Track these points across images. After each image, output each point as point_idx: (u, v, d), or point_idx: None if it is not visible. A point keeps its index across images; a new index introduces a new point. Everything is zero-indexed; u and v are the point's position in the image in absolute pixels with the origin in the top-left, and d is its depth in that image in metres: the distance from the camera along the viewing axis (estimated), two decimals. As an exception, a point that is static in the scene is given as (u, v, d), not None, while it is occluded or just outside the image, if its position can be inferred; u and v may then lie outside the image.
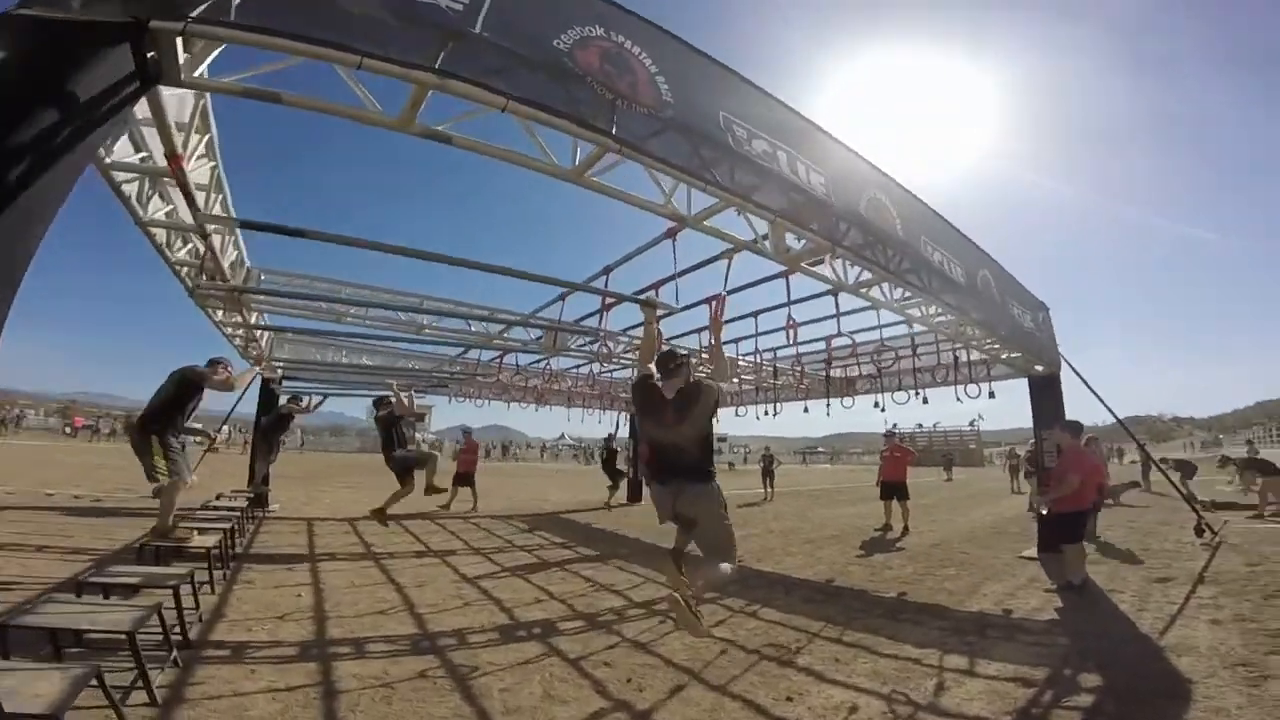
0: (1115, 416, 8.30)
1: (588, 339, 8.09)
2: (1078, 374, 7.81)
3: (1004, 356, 7.47)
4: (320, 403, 10.76)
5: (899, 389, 9.73)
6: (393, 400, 8.08)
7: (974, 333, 6.71)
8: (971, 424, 50.01)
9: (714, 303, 4.63)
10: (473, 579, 5.84)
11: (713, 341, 4.01)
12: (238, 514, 6.86)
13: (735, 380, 11.34)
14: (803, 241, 4.34)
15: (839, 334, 7.08)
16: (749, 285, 5.85)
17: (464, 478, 11.72)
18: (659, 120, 3.14)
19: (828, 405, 9.70)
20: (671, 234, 4.69)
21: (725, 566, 3.30)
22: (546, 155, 3.27)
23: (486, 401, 13.38)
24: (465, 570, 6.22)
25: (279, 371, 10.81)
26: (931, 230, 5.38)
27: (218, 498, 7.97)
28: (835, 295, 6.03)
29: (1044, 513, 5.86)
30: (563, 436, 56.39)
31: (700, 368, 5.15)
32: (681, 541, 3.62)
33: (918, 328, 7.61)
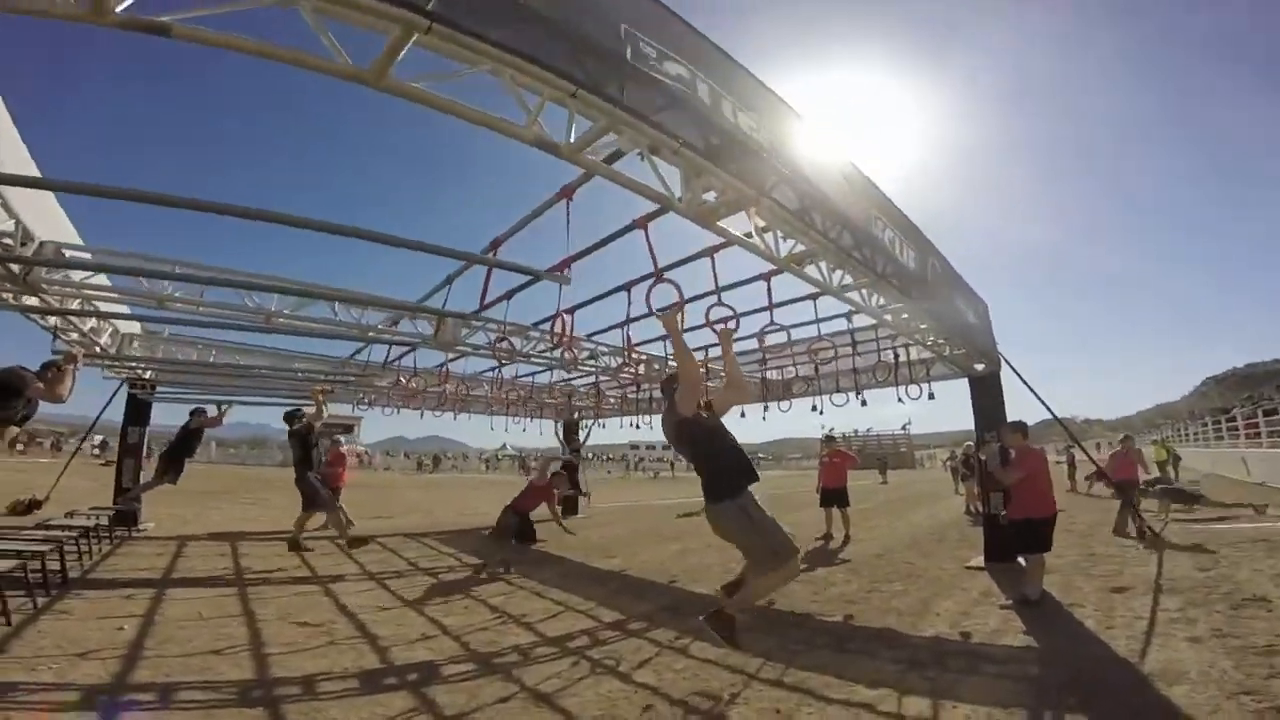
0: (1054, 415, 8.02)
1: (489, 331, 6.88)
2: (1016, 372, 7.51)
3: (948, 353, 7.01)
4: (227, 410, 9.36)
5: (837, 390, 9.14)
6: (309, 411, 7.51)
7: (921, 326, 6.20)
8: (903, 428, 51.77)
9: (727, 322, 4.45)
10: (352, 610, 4.97)
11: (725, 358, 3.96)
12: (75, 534, 6.20)
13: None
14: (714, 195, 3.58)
15: (772, 325, 6.20)
16: (674, 265, 4.84)
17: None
18: (520, 5, 2.42)
19: (764, 409, 9.08)
20: (567, 193, 3.83)
21: (772, 579, 3.41)
22: (341, 56, 2.30)
23: (422, 411, 12.13)
24: (348, 600, 5.37)
25: (148, 374, 9.47)
26: (881, 205, 4.79)
27: (68, 515, 7.23)
28: (769, 282, 5.42)
29: (1001, 518, 5.38)
30: (504, 447, 54.78)
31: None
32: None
33: (858, 322, 7.09)
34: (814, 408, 9.25)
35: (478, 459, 53.90)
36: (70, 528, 6.32)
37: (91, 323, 6.55)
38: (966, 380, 7.70)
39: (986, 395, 7.39)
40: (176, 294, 5.46)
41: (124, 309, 6.22)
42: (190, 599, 5.16)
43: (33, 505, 8.84)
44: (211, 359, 8.66)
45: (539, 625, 4.69)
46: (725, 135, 3.18)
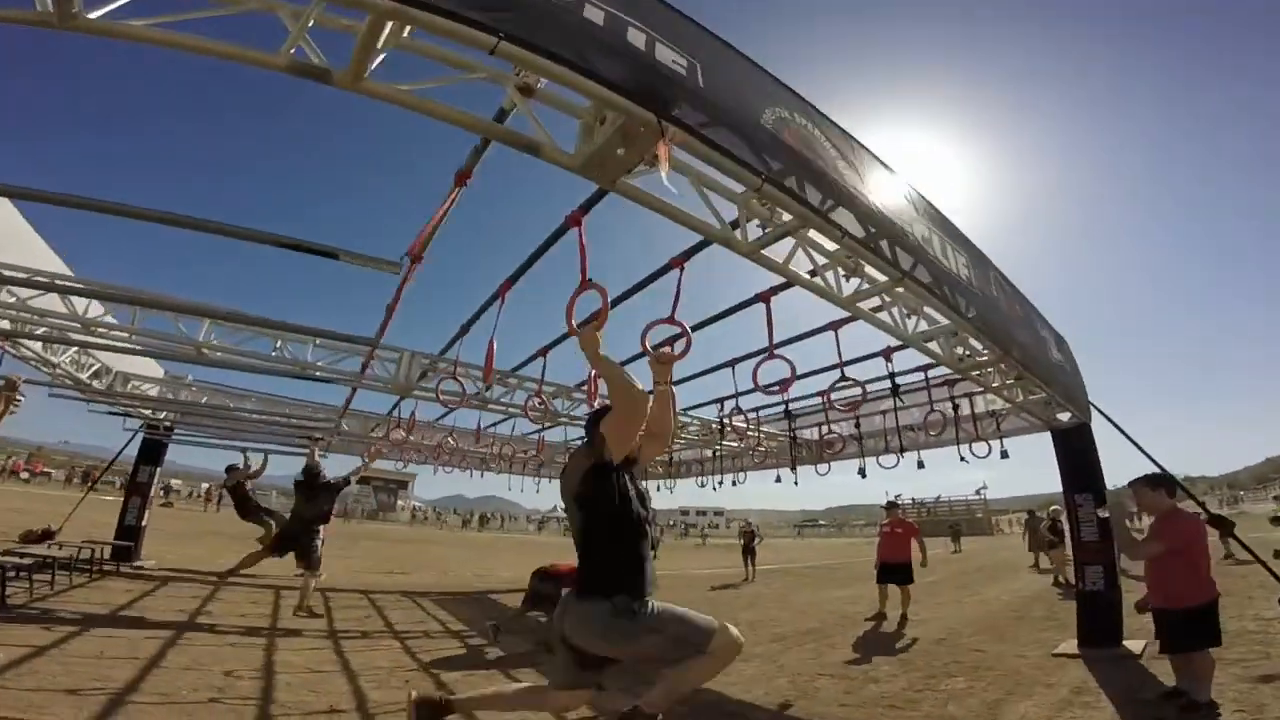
0: (1162, 469, 6.47)
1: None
2: (1114, 423, 6.06)
3: (1024, 398, 5.78)
4: (263, 463, 9.26)
5: (885, 451, 7.88)
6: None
7: (999, 368, 5.11)
8: (978, 492, 48.20)
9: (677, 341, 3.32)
10: (277, 668, 4.42)
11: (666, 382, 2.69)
12: (31, 562, 6.16)
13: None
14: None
15: (794, 374, 5.11)
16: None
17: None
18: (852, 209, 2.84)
19: (794, 471, 7.97)
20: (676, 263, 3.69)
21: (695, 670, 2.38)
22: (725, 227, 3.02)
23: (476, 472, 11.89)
24: (282, 657, 4.78)
25: (164, 416, 9.60)
26: (952, 233, 4.10)
27: (48, 544, 7.52)
28: (836, 331, 4.82)
29: (1148, 607, 3.93)
30: (555, 508, 54.12)
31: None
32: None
33: (907, 365, 6.09)
34: (860, 471, 8.02)
35: (525, 519, 53.65)
36: (29, 555, 6.35)
37: (38, 346, 6.16)
38: (1049, 435, 6.36)
39: (1076, 450, 6.08)
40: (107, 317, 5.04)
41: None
42: (108, 637, 4.82)
43: (45, 535, 8.69)
44: (204, 401, 8.39)
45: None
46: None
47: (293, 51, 2.09)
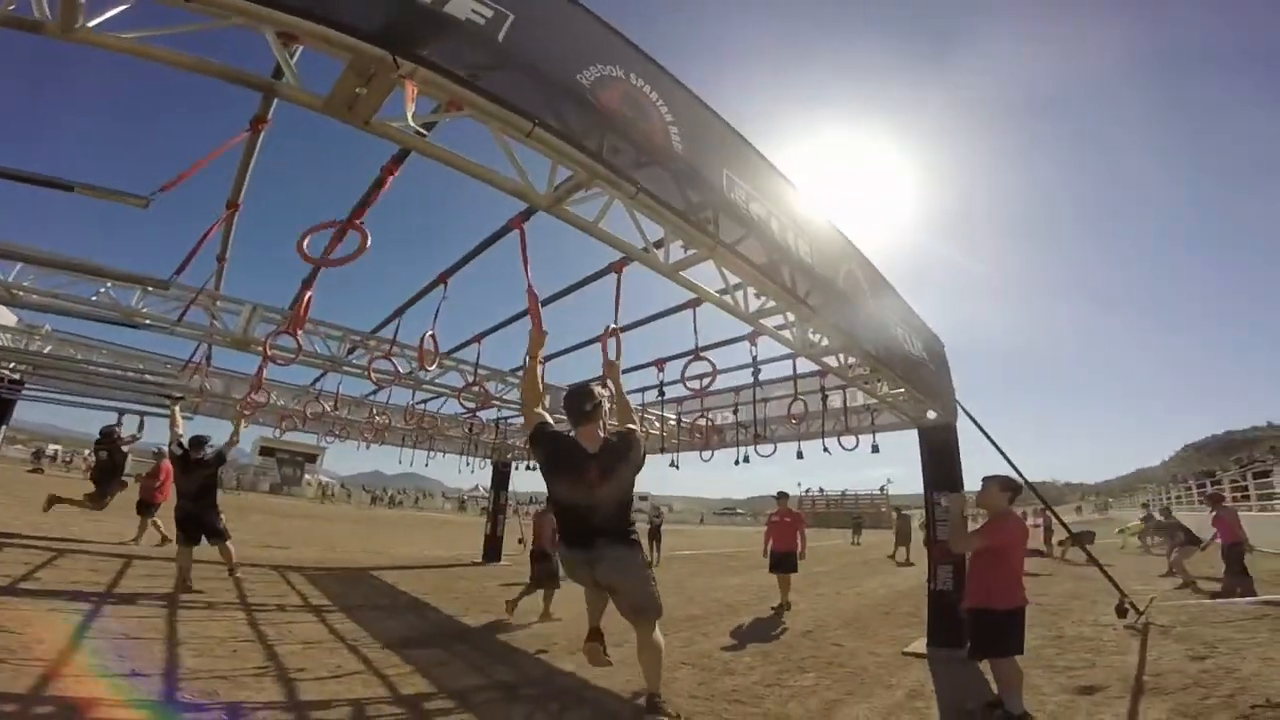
0: (1021, 476, 6.85)
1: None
2: (978, 425, 6.38)
3: (885, 391, 5.91)
4: (139, 427, 8.63)
5: (763, 440, 7.94)
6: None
7: (845, 360, 5.19)
8: (881, 489, 50.99)
9: (610, 339, 3.92)
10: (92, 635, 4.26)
11: (614, 386, 3.58)
12: None
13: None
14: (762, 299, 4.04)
15: (697, 354, 5.23)
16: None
17: (143, 506, 8.82)
18: (667, 169, 2.92)
19: (675, 458, 7.99)
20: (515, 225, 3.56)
21: (658, 637, 3.17)
22: (524, 177, 2.77)
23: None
24: (108, 623, 4.62)
25: (12, 368, 8.67)
26: (790, 212, 4.02)
27: None
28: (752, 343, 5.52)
29: (961, 603, 4.05)
30: (477, 488, 52.99)
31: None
32: (598, 612, 3.38)
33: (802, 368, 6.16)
34: (736, 461, 8.11)
35: (442, 497, 52.48)
36: None
37: None
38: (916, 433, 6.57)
39: (939, 449, 6.25)
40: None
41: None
42: None
43: None
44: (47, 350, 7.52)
45: (306, 682, 3.75)
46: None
47: (11, 7, 1.97)
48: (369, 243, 2.83)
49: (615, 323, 3.98)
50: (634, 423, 3.36)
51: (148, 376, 8.05)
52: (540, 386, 3.34)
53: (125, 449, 8.38)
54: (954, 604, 5.43)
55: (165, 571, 6.69)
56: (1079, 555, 11.70)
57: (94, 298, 4.82)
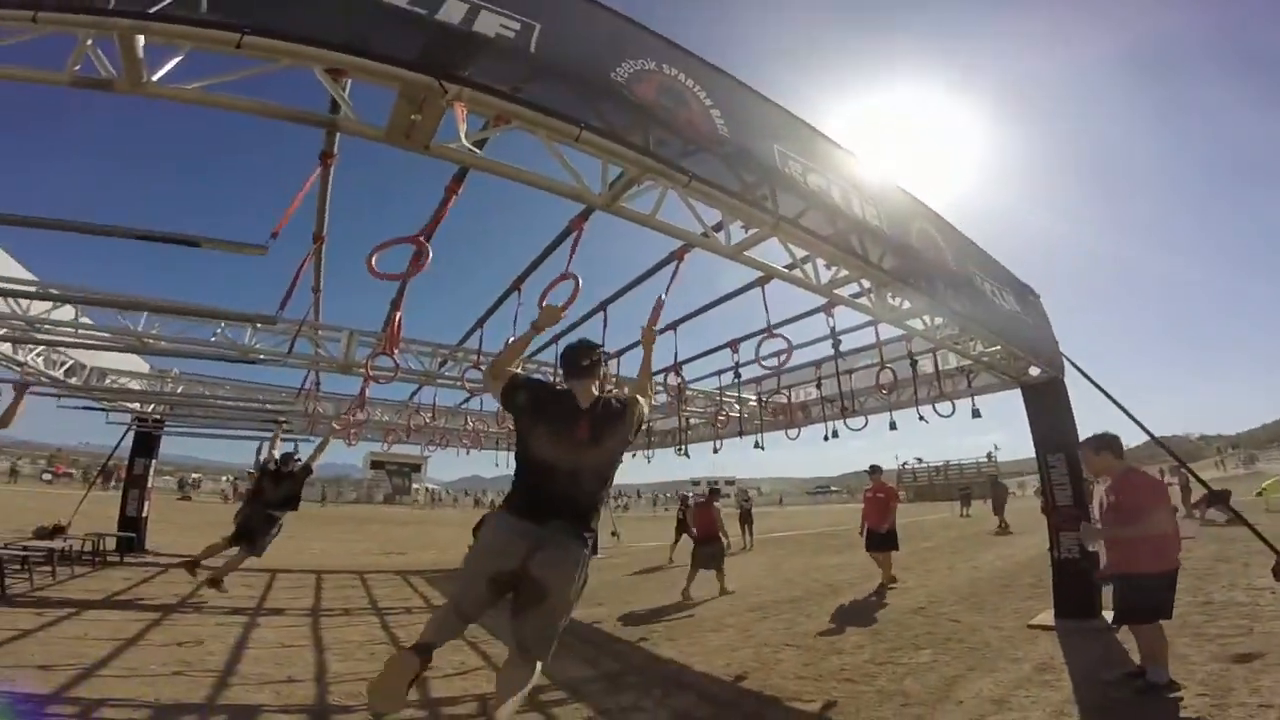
0: (1147, 432, 6.12)
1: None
2: (1088, 378, 5.82)
3: (980, 350, 5.55)
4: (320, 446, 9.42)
5: (851, 413, 7.59)
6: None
7: (931, 321, 4.94)
8: (988, 456, 48.19)
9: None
10: (248, 644, 4.72)
11: (644, 352, 3.03)
12: (24, 553, 6.57)
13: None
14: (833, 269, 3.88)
15: (769, 331, 5.15)
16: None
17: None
18: (715, 153, 2.91)
19: (759, 438, 7.84)
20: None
21: (533, 673, 2.35)
22: (579, 180, 2.82)
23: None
24: (261, 633, 5.11)
25: (151, 409, 9.83)
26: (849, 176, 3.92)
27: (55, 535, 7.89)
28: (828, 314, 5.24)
29: (1100, 572, 3.77)
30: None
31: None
32: (463, 618, 2.34)
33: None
34: (825, 436, 7.87)
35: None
36: (31, 549, 6.85)
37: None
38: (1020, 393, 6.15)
39: (1048, 409, 5.85)
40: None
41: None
42: (96, 620, 5.06)
43: (56, 530, 8.80)
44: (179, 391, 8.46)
45: (434, 679, 3.93)
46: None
47: (77, 68, 2.16)
48: (429, 258, 2.96)
49: (665, 295, 3.76)
50: (647, 396, 2.81)
51: (268, 406, 8.86)
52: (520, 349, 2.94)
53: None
54: (1082, 572, 5.07)
55: (304, 583, 7.39)
56: (1220, 515, 10.53)
57: (212, 339, 5.37)
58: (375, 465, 51.05)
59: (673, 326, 5.77)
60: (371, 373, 5.27)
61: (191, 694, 3.47)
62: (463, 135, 2.21)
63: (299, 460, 6.74)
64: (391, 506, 40.93)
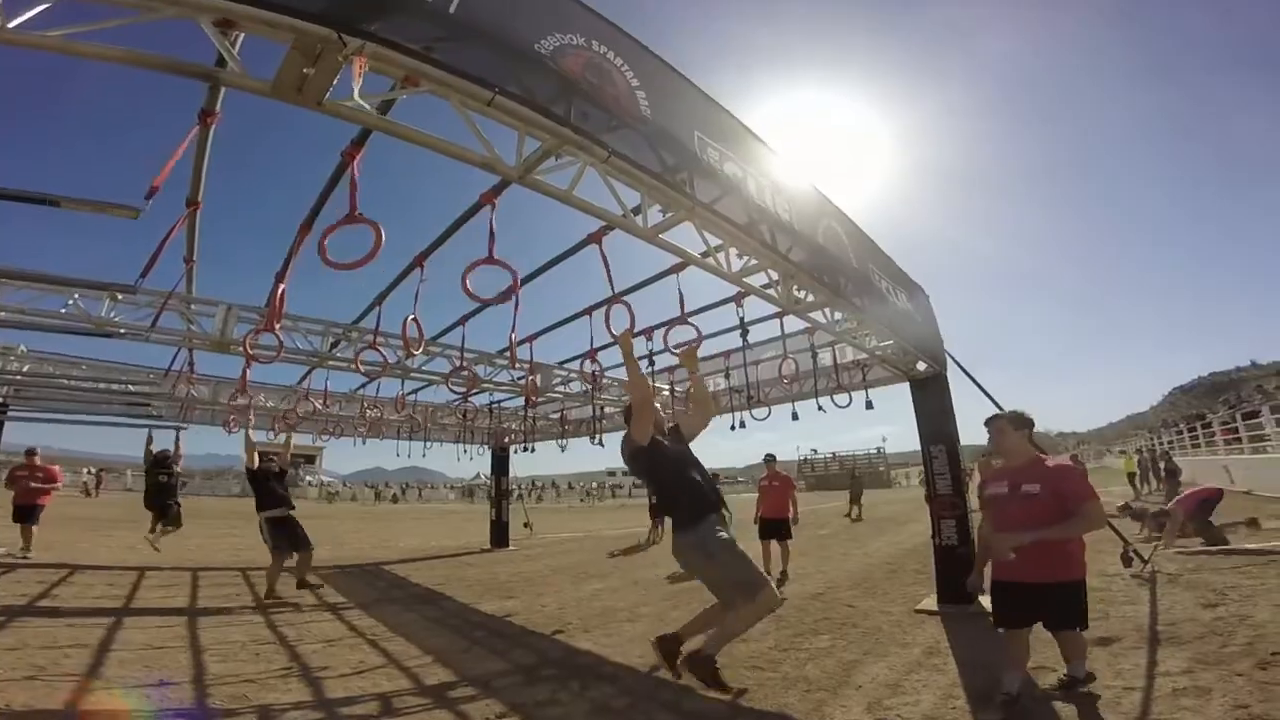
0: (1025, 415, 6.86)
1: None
2: (968, 374, 6.33)
3: (871, 345, 5.85)
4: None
5: (756, 403, 7.70)
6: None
7: (831, 315, 5.12)
8: (878, 449, 51.84)
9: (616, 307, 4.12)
10: (112, 645, 4.42)
11: (622, 354, 3.64)
12: None
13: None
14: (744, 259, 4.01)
15: (682, 319, 5.12)
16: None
17: (21, 512, 8.31)
18: (638, 131, 2.87)
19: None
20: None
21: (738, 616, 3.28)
22: (490, 149, 2.60)
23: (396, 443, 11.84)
24: (127, 634, 4.75)
25: None
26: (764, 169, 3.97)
27: None
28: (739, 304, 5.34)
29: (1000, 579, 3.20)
30: (477, 476, 53.35)
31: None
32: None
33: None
34: (732, 427, 8.06)
35: (446, 488, 53.03)
36: None
37: None
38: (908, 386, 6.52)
39: (932, 402, 6.23)
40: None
41: None
42: None
43: None
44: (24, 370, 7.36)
45: (330, 680, 3.84)
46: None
47: None
48: (382, 235, 2.60)
49: (612, 291, 3.95)
50: (638, 390, 3.61)
51: (130, 388, 7.91)
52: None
53: (177, 469, 8.64)
54: (964, 559, 5.43)
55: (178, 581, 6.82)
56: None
57: (64, 309, 4.66)
58: (263, 456, 47.26)
59: (589, 311, 5.65)
60: (252, 351, 4.75)
61: (48, 700, 3.26)
62: (356, 92, 2.00)
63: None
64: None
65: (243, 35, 2.06)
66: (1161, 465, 15.64)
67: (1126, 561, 6.09)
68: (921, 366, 6.15)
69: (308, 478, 48.82)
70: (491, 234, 3.10)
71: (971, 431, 5.51)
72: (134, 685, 3.55)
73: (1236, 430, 16.96)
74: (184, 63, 2.10)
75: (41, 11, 1.91)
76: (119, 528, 12.15)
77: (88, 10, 1.96)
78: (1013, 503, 3.14)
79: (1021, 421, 3.34)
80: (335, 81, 2.11)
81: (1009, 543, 2.94)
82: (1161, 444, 25.65)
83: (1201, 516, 7.62)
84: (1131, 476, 19.13)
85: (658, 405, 3.74)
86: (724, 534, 3.23)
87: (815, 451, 57.54)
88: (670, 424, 3.67)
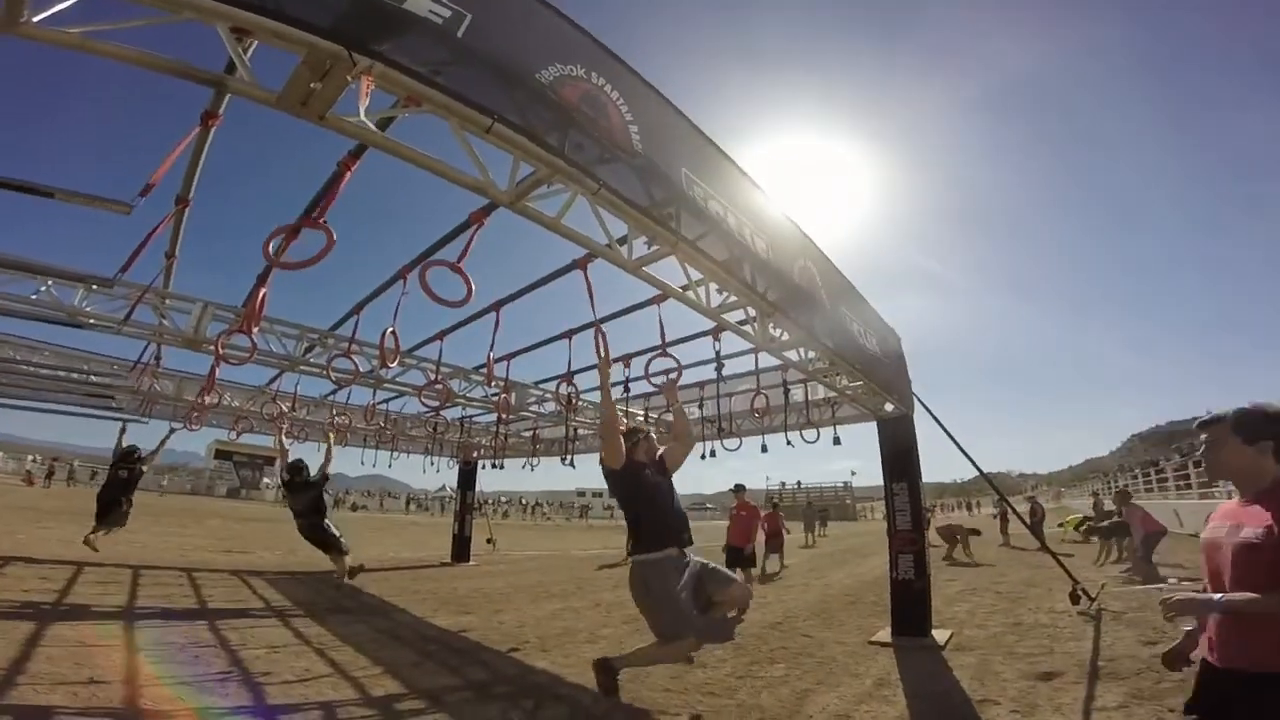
0: (977, 467, 7.18)
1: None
2: (934, 417, 6.60)
3: (841, 385, 6.03)
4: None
5: (728, 434, 7.93)
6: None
7: (804, 354, 5.29)
8: (845, 483, 52.49)
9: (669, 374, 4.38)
10: (42, 642, 4.22)
11: (600, 381, 3.80)
12: None
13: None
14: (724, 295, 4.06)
15: (663, 350, 5.17)
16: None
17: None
18: (629, 165, 2.95)
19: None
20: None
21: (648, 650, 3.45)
22: (484, 173, 2.68)
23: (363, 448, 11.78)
24: (60, 631, 4.56)
25: None
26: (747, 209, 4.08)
27: None
28: (716, 338, 5.39)
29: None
30: (443, 488, 52.29)
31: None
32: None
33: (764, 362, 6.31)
34: (703, 455, 8.16)
35: (406, 499, 52.03)
36: None
37: None
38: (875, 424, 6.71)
39: (897, 441, 6.41)
40: None
41: None
42: None
43: None
44: None
45: (272, 686, 3.78)
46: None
47: None
48: (334, 241, 2.63)
49: (594, 317, 4.01)
50: (603, 415, 3.75)
51: (93, 378, 7.69)
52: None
53: (145, 468, 8.43)
54: (919, 593, 5.62)
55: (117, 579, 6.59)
56: (1030, 543, 12.13)
57: (34, 296, 4.57)
58: (220, 455, 45.67)
59: (568, 335, 5.72)
60: (223, 351, 4.72)
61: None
62: (362, 111, 2.06)
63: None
64: (237, 501, 36.87)
65: (255, 44, 2.10)
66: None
67: (1075, 599, 6.33)
68: (889, 407, 6.33)
69: (265, 480, 47.36)
70: (467, 248, 3.14)
71: (936, 468, 5.72)
72: (60, 682, 3.42)
73: (1188, 476, 17.69)
74: (195, 68, 2.15)
75: (67, 7, 1.93)
76: (58, 519, 11.71)
77: (110, 9, 1.99)
78: (1224, 552, 1.81)
79: (1257, 427, 1.81)
80: (341, 96, 2.17)
81: (1179, 610, 1.84)
82: (1118, 484, 26.62)
83: (1145, 551, 8.02)
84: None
85: (652, 435, 3.81)
86: (674, 575, 3.27)
87: (784, 484, 58.21)
88: (660, 453, 3.71)
